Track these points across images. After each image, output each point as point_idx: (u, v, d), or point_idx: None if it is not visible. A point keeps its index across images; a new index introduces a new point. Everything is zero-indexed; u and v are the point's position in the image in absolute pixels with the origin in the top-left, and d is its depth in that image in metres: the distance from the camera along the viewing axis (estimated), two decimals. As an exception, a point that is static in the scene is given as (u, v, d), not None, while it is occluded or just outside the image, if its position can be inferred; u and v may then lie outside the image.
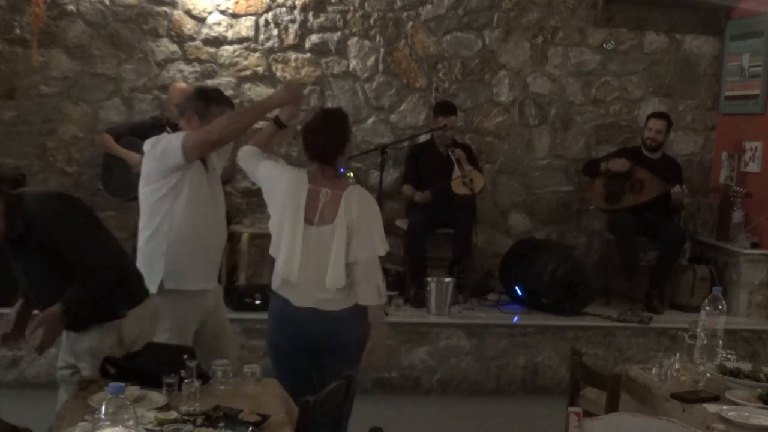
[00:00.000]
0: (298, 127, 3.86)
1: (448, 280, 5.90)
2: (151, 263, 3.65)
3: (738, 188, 6.50)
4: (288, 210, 3.52)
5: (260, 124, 4.03)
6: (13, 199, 3.17)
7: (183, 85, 6.00)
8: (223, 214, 3.93)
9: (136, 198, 5.92)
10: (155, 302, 3.58)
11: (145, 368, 3.02)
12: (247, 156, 3.71)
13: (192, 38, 6.40)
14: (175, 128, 3.95)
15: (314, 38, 6.55)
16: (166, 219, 3.64)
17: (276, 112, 3.82)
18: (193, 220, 3.67)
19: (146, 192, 3.69)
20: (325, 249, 3.49)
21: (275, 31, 6.50)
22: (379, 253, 3.62)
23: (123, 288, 3.34)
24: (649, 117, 6.55)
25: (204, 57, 6.43)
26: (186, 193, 3.63)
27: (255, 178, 3.73)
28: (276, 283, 3.60)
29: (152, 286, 3.60)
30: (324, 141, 3.54)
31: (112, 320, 3.32)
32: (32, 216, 3.15)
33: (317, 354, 3.59)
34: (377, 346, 3.67)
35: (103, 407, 2.09)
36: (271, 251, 3.64)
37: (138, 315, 3.39)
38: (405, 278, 6.30)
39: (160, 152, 3.62)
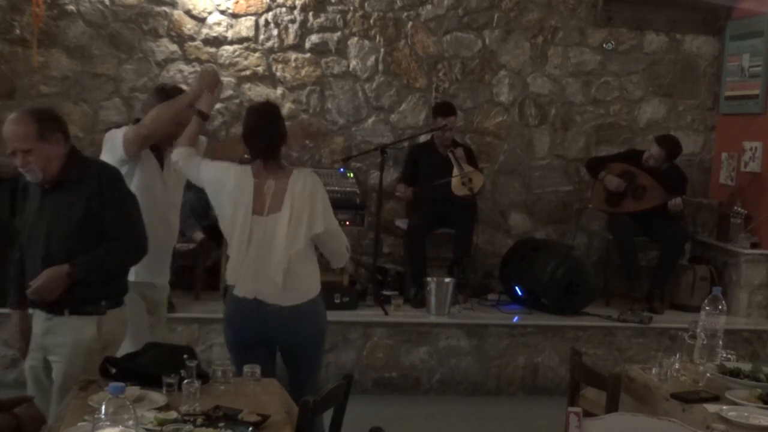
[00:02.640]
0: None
1: (448, 280, 5.90)
2: None
3: (740, 209, 6.46)
4: (238, 205, 3.57)
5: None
6: (76, 149, 3.39)
7: (186, 88, 6.00)
8: (175, 215, 3.99)
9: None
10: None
11: (145, 368, 3.02)
12: (184, 158, 3.73)
13: (192, 38, 6.40)
14: None
15: (314, 38, 6.55)
16: None
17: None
18: (146, 214, 3.66)
19: None
20: (273, 237, 3.56)
21: (275, 31, 6.50)
22: (318, 231, 3.64)
23: (117, 281, 3.46)
24: (655, 139, 6.45)
25: (204, 57, 6.43)
26: (133, 187, 3.67)
27: (198, 180, 3.75)
28: (230, 278, 3.64)
29: None
30: (265, 141, 3.63)
31: (91, 314, 3.36)
32: (99, 169, 3.36)
33: (267, 350, 3.66)
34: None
35: (103, 407, 2.10)
36: (228, 250, 3.68)
37: (115, 317, 3.46)
38: (405, 278, 6.30)
39: (109, 146, 3.77)
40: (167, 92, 3.92)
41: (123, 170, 3.67)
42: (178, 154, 3.75)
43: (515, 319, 6.00)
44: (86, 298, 3.34)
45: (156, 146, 3.87)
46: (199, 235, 5.72)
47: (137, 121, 3.93)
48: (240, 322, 3.66)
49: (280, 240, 3.54)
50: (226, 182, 3.62)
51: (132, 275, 3.67)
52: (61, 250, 3.27)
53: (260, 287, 3.57)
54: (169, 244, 4.02)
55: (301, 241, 3.57)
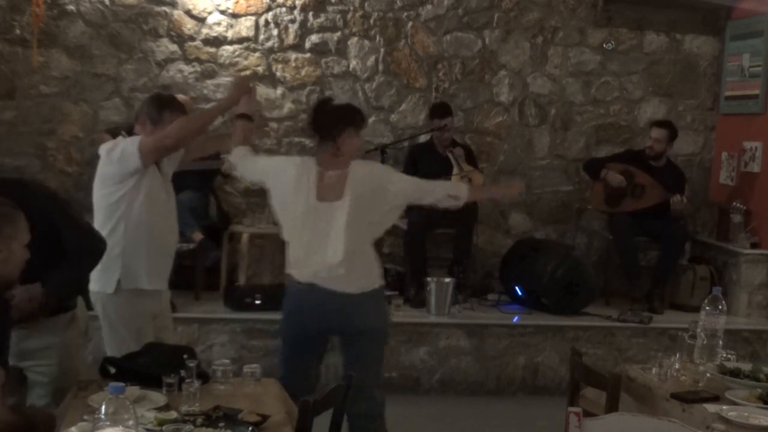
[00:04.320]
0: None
1: (448, 280, 5.90)
2: (106, 263, 3.67)
3: (739, 204, 6.47)
4: (300, 193, 3.59)
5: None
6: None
7: (182, 97, 6.00)
8: (175, 216, 3.99)
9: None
10: (113, 302, 3.69)
11: (145, 368, 3.02)
12: (243, 157, 3.78)
13: (192, 38, 6.40)
14: (131, 133, 3.98)
15: (314, 38, 6.56)
16: (122, 221, 3.70)
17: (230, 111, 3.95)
18: (148, 222, 3.74)
19: (102, 194, 3.77)
20: (332, 222, 3.57)
21: (275, 31, 6.50)
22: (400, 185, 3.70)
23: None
24: (651, 125, 6.53)
25: (204, 57, 6.43)
26: (142, 195, 3.71)
27: (256, 176, 3.81)
28: (294, 266, 3.65)
29: (108, 287, 3.69)
30: (328, 127, 3.64)
31: (68, 310, 3.38)
32: (35, 198, 3.19)
33: (324, 338, 3.68)
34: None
35: (103, 407, 2.09)
36: (286, 237, 3.70)
37: (80, 302, 3.52)
38: (405, 278, 6.30)
39: (117, 156, 3.69)
40: (162, 102, 3.89)
41: (131, 182, 3.68)
42: (236, 155, 3.79)
43: (515, 319, 6.00)
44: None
45: None
46: (198, 236, 5.73)
47: (131, 128, 3.92)
48: (300, 310, 3.67)
49: (342, 227, 3.55)
50: (287, 173, 3.65)
51: (145, 283, 3.72)
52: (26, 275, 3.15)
53: (322, 274, 3.58)
54: (174, 250, 4.02)
55: (362, 229, 3.60)
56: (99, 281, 3.72)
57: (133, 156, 3.66)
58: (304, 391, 3.47)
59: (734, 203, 6.50)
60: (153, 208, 3.74)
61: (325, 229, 3.57)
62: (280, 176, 3.69)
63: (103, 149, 3.80)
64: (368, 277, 3.69)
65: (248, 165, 3.80)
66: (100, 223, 3.76)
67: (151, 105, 3.86)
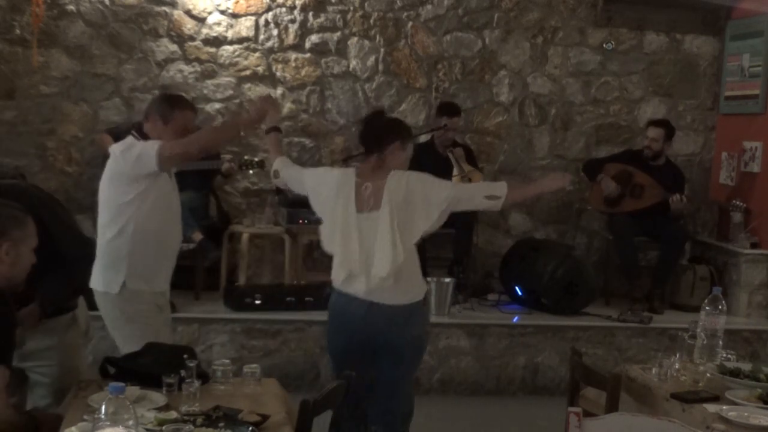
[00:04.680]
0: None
1: (448, 280, 5.90)
2: (112, 263, 3.69)
3: (738, 202, 6.47)
4: (339, 203, 3.60)
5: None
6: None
7: None
8: (180, 218, 3.99)
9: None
10: (118, 302, 3.68)
11: (145, 368, 3.02)
12: (285, 168, 3.83)
13: (192, 38, 6.40)
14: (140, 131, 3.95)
15: (314, 38, 6.55)
16: (131, 221, 3.68)
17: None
18: (158, 223, 3.74)
19: (113, 193, 3.73)
20: (375, 234, 3.55)
21: (275, 31, 6.50)
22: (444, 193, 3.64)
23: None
24: (648, 124, 6.54)
25: (204, 57, 6.43)
26: (153, 197, 3.70)
27: (301, 186, 3.81)
28: (338, 278, 3.64)
29: (113, 286, 3.68)
30: (372, 137, 3.67)
31: (68, 311, 3.39)
32: (29, 203, 3.16)
33: (372, 351, 3.62)
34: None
35: (103, 407, 2.09)
36: (327, 248, 3.68)
37: (80, 301, 3.51)
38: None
39: (134, 158, 3.67)
40: (173, 100, 3.90)
41: (143, 183, 3.66)
42: (278, 165, 3.83)
43: (515, 319, 6.00)
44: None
45: None
46: (198, 236, 5.72)
47: (139, 126, 3.90)
48: (344, 321, 3.65)
49: (382, 238, 3.54)
50: (328, 184, 3.67)
51: (151, 284, 3.73)
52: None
53: (365, 285, 3.56)
54: (177, 251, 4.02)
55: (403, 238, 3.55)
56: (103, 281, 3.71)
57: (151, 159, 3.64)
58: (360, 396, 3.53)
59: (734, 200, 6.50)
60: (162, 210, 3.74)
61: (367, 240, 3.55)
62: (321, 188, 3.70)
63: (116, 148, 3.77)
64: (413, 287, 3.65)
65: (291, 175, 3.84)
66: (106, 221, 3.74)
67: (162, 103, 3.85)
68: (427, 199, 3.59)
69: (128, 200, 3.68)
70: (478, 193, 3.74)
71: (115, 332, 3.77)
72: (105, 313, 3.79)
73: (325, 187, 3.67)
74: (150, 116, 3.82)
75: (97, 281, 3.73)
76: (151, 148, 3.66)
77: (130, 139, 3.80)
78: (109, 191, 3.76)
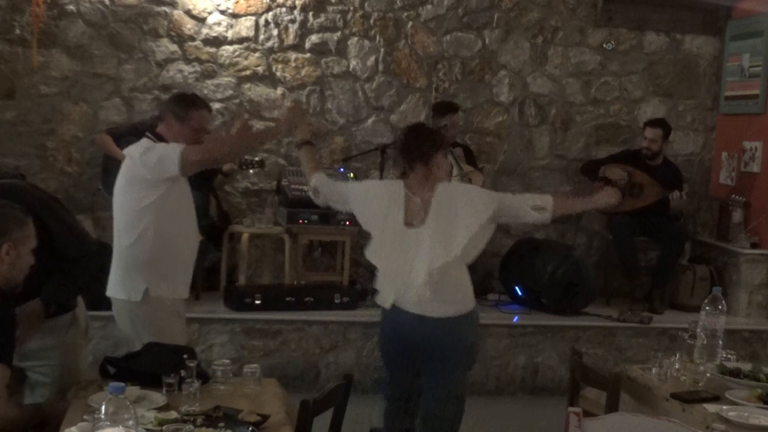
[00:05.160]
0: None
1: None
2: (133, 270, 3.63)
3: (737, 197, 6.48)
4: (389, 217, 3.60)
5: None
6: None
7: None
8: (196, 221, 3.95)
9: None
10: (140, 310, 3.61)
11: (145, 368, 3.02)
12: (325, 184, 3.79)
13: (192, 38, 6.40)
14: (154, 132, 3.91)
15: (314, 38, 6.55)
16: (151, 226, 3.61)
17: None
18: (178, 227, 3.70)
19: (131, 198, 3.66)
20: (419, 247, 3.55)
21: (275, 31, 6.50)
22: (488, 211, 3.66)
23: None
24: (645, 125, 6.54)
25: (204, 57, 6.42)
26: (172, 201, 3.65)
27: (344, 200, 3.79)
28: (380, 286, 3.64)
29: (135, 294, 3.62)
30: (415, 153, 3.65)
31: (68, 311, 3.38)
32: (31, 203, 3.16)
33: (418, 360, 3.62)
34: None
35: (103, 407, 2.10)
36: (373, 260, 3.68)
37: (80, 301, 3.50)
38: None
39: (155, 161, 3.59)
40: (188, 100, 3.83)
41: (163, 187, 3.60)
42: (318, 181, 3.78)
43: (515, 319, 6.00)
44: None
45: None
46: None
47: (152, 126, 3.84)
48: (389, 332, 3.67)
49: (427, 251, 3.53)
50: (376, 198, 3.67)
51: (173, 291, 3.69)
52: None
53: (409, 297, 3.55)
54: (195, 256, 3.95)
55: (448, 252, 3.55)
56: (124, 289, 3.64)
57: (174, 163, 3.56)
58: (407, 408, 3.63)
59: (733, 196, 6.50)
60: (182, 214, 3.69)
61: (410, 254, 3.55)
62: (369, 202, 3.69)
63: (133, 151, 3.69)
64: (459, 299, 3.61)
65: (333, 193, 3.80)
66: (124, 227, 3.66)
67: (177, 104, 3.78)
68: (471, 211, 3.61)
69: (147, 204, 3.60)
70: (524, 204, 3.72)
71: (135, 339, 3.65)
72: (125, 321, 3.71)
73: (375, 202, 3.66)
74: (165, 117, 3.75)
75: (116, 289, 3.66)
76: (172, 151, 3.58)
77: (145, 141, 3.72)
78: (126, 196, 3.68)
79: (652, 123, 6.50)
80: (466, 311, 3.61)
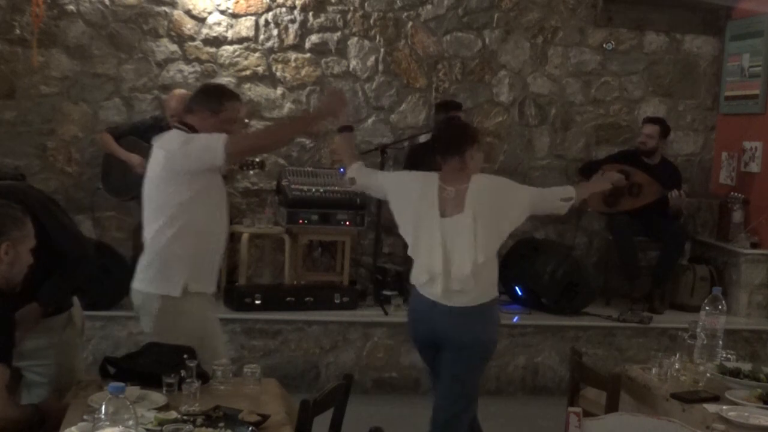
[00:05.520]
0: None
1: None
2: (172, 265, 3.55)
3: (736, 194, 6.49)
4: (424, 208, 3.68)
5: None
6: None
7: (181, 92, 5.99)
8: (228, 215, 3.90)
9: (135, 198, 5.94)
10: (177, 305, 3.55)
11: (145, 368, 3.02)
12: (361, 173, 3.88)
13: (192, 38, 6.40)
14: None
15: (314, 38, 6.55)
16: (192, 220, 3.53)
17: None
18: (214, 221, 3.64)
19: (170, 191, 3.54)
20: (457, 237, 3.64)
21: (275, 31, 6.50)
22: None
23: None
24: (643, 121, 6.56)
25: (204, 57, 6.42)
26: (212, 194, 3.60)
27: (379, 190, 3.91)
28: (420, 280, 3.72)
29: (173, 289, 3.53)
30: (449, 146, 3.74)
31: (64, 311, 3.38)
32: (29, 203, 3.16)
33: (439, 348, 3.74)
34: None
35: (103, 407, 2.10)
36: (410, 252, 3.77)
37: (75, 300, 3.49)
38: (405, 278, 6.29)
39: (198, 152, 3.50)
40: (221, 91, 3.78)
41: (202, 179, 3.52)
42: (354, 173, 3.86)
43: (515, 319, 6.00)
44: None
45: None
46: None
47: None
48: (418, 320, 3.80)
49: (465, 240, 3.62)
50: (412, 188, 3.76)
51: (210, 286, 3.66)
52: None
53: (441, 287, 3.64)
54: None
55: (485, 242, 3.64)
56: (161, 284, 3.55)
57: (218, 153, 3.47)
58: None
59: (732, 193, 6.51)
60: (218, 208, 3.64)
61: (449, 243, 3.64)
62: (404, 192, 3.77)
63: (169, 143, 3.58)
64: (486, 290, 3.72)
65: (370, 182, 3.90)
66: (164, 221, 3.55)
67: (210, 96, 3.70)
68: (510, 203, 3.72)
69: (188, 197, 3.51)
70: (555, 196, 3.87)
71: (167, 335, 3.47)
72: (159, 316, 3.59)
73: (409, 192, 3.75)
74: (197, 110, 3.66)
75: (152, 284, 3.58)
76: (215, 141, 3.50)
77: (177, 133, 3.62)
78: (164, 189, 3.57)
79: (651, 120, 6.54)
80: (489, 300, 3.72)
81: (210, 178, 3.58)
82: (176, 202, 3.53)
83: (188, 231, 3.53)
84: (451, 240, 3.63)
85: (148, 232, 3.63)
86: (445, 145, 3.76)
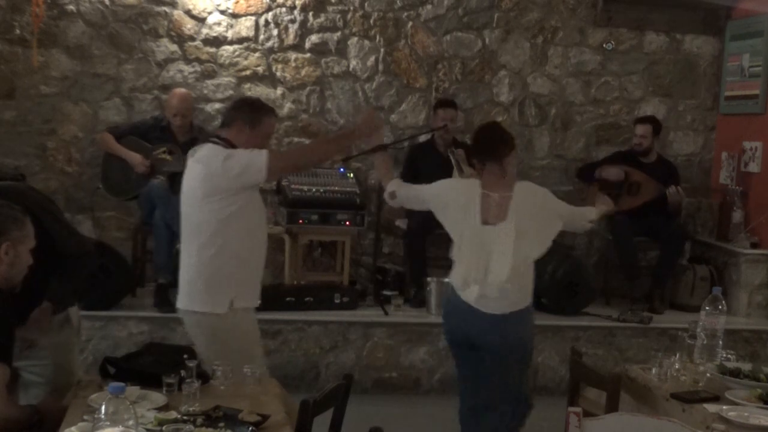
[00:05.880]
0: None
1: (448, 280, 5.88)
2: (217, 283, 3.53)
3: (735, 187, 6.50)
4: (467, 216, 3.75)
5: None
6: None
7: (183, 91, 6.00)
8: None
9: (135, 198, 5.96)
10: (223, 323, 3.53)
11: (145, 368, 3.03)
12: (401, 189, 3.96)
13: (192, 38, 6.40)
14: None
15: (314, 38, 6.55)
16: (233, 237, 3.51)
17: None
18: (255, 237, 3.64)
19: (212, 208, 3.50)
20: (498, 244, 3.70)
21: (275, 31, 6.50)
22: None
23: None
24: (635, 122, 6.57)
25: (204, 57, 6.42)
26: (252, 210, 3.59)
27: (418, 204, 4.01)
28: (459, 284, 3.79)
29: (219, 307, 3.52)
30: (491, 152, 3.81)
31: (65, 309, 3.39)
32: (28, 204, 3.16)
33: (478, 351, 3.81)
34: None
35: (103, 407, 2.10)
36: (452, 255, 3.87)
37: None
38: (405, 278, 6.30)
39: (240, 169, 3.45)
40: (260, 105, 3.73)
41: (244, 195, 3.51)
42: (395, 187, 3.94)
43: (515, 319, 5.98)
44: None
45: None
46: None
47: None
48: (455, 322, 3.86)
49: (506, 246, 3.69)
50: (454, 197, 3.82)
51: (255, 301, 3.66)
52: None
53: (481, 294, 3.70)
54: None
55: (525, 251, 3.72)
56: (209, 302, 3.53)
57: (261, 170, 3.45)
58: (476, 393, 3.87)
59: (730, 186, 6.52)
60: (259, 224, 3.64)
61: (489, 249, 3.70)
62: (448, 202, 3.84)
63: (207, 158, 3.51)
64: (522, 296, 3.79)
65: (409, 195, 3.99)
66: (206, 239, 3.51)
67: (248, 109, 3.66)
68: (551, 215, 3.83)
69: (230, 214, 3.49)
70: (584, 218, 4.01)
71: (212, 353, 3.46)
72: (204, 334, 3.58)
73: (452, 201, 3.81)
74: (235, 123, 3.61)
75: (198, 302, 3.55)
76: (258, 158, 3.46)
77: (215, 147, 3.55)
78: (202, 207, 3.53)
79: (642, 120, 6.55)
80: (528, 304, 3.80)
81: (250, 193, 3.56)
82: (218, 219, 3.51)
83: (230, 248, 3.51)
84: (491, 247, 3.69)
85: (188, 249, 3.61)
86: (484, 150, 3.83)
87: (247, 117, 3.62)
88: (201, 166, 3.53)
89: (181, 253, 3.69)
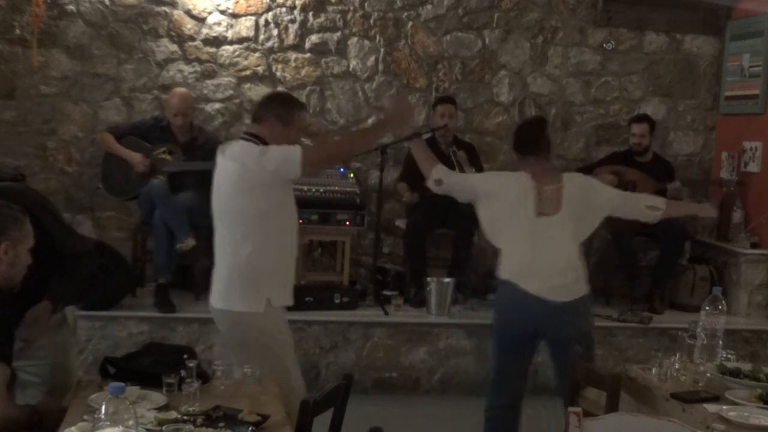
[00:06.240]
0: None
1: (448, 280, 5.90)
2: (255, 281, 3.50)
3: (732, 178, 6.52)
4: (521, 208, 3.82)
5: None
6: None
7: (183, 91, 5.99)
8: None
9: (135, 197, 5.96)
10: (263, 322, 3.51)
11: (145, 368, 3.03)
12: (448, 176, 3.98)
13: (192, 38, 6.40)
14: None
15: (314, 38, 6.55)
16: (269, 233, 3.49)
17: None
18: (289, 233, 3.62)
19: (247, 205, 3.48)
20: (555, 234, 3.80)
21: (275, 31, 6.50)
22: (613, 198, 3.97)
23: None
24: (630, 122, 6.56)
25: (204, 57, 6.43)
26: (286, 206, 3.57)
27: (465, 193, 4.03)
28: (515, 275, 3.87)
29: (258, 305, 3.48)
30: (538, 146, 3.91)
31: (59, 310, 3.39)
32: (27, 205, 3.16)
33: (536, 341, 3.94)
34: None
35: (103, 407, 2.10)
36: (504, 248, 3.94)
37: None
38: (405, 278, 6.30)
39: (276, 164, 3.42)
40: (292, 101, 3.72)
41: (278, 193, 3.49)
42: (440, 174, 3.94)
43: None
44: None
45: None
46: (189, 243, 5.49)
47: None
48: (516, 315, 3.93)
49: (564, 240, 3.80)
50: (506, 189, 3.88)
51: (287, 300, 3.63)
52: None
53: (545, 284, 3.79)
54: None
55: (578, 239, 3.85)
56: (244, 301, 3.49)
57: (296, 165, 3.41)
58: (514, 390, 4.02)
59: (727, 177, 6.54)
60: (291, 218, 3.61)
61: (547, 243, 3.79)
62: (497, 193, 3.89)
63: (246, 155, 3.47)
64: (579, 284, 3.88)
65: (459, 184, 4.04)
66: (242, 236, 3.49)
67: (280, 106, 3.63)
68: (599, 203, 3.90)
69: (265, 210, 3.47)
70: (640, 202, 4.02)
71: (248, 353, 3.46)
72: (242, 333, 3.54)
73: (504, 192, 3.87)
74: (267, 120, 3.58)
75: (235, 302, 3.50)
76: (293, 153, 3.43)
77: (248, 144, 3.52)
78: (237, 204, 3.50)
79: (638, 119, 6.55)
80: (583, 294, 3.90)
81: (285, 189, 3.55)
82: (252, 216, 3.48)
83: (266, 244, 3.49)
84: (548, 238, 3.78)
85: (222, 247, 3.57)
86: (533, 144, 3.90)
87: (279, 113, 3.58)
88: (235, 163, 3.49)
89: (215, 253, 3.62)
